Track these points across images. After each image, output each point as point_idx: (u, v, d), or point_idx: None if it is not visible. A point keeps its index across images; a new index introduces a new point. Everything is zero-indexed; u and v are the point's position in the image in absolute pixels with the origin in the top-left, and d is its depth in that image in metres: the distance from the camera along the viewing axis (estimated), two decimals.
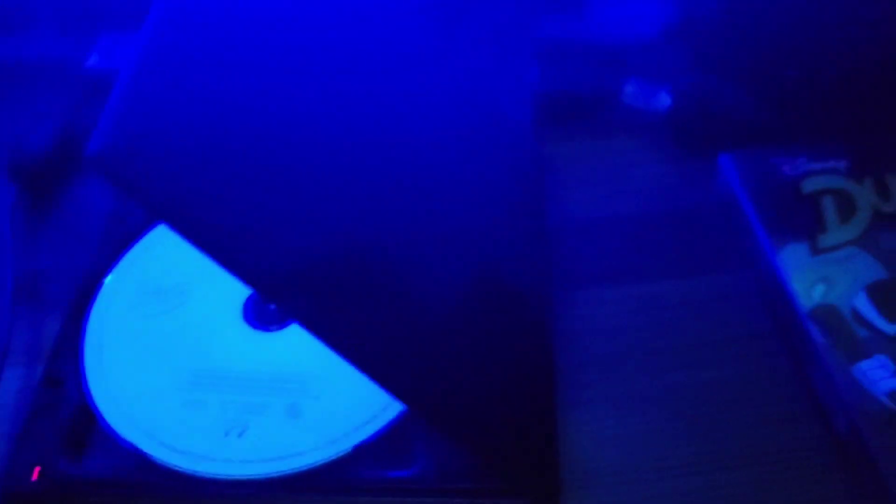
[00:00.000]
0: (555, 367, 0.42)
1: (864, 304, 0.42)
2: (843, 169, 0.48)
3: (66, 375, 0.41)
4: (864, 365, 0.40)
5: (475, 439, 0.36)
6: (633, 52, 0.59)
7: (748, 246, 0.48)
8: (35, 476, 0.36)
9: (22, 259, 0.48)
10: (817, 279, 0.44)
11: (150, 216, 0.46)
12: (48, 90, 0.60)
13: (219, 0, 0.33)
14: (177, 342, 0.43)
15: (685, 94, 0.54)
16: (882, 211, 0.46)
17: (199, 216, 0.29)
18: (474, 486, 0.36)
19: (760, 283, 0.47)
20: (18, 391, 0.43)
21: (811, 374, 0.42)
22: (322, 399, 0.40)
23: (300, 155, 0.33)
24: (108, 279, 0.46)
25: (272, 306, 0.44)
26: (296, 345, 0.42)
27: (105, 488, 0.37)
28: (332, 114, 0.35)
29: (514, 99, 0.45)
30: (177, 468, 0.37)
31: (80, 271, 0.47)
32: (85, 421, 0.39)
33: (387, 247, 0.34)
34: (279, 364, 0.41)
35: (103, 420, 0.39)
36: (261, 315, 0.44)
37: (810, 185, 0.48)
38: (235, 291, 0.44)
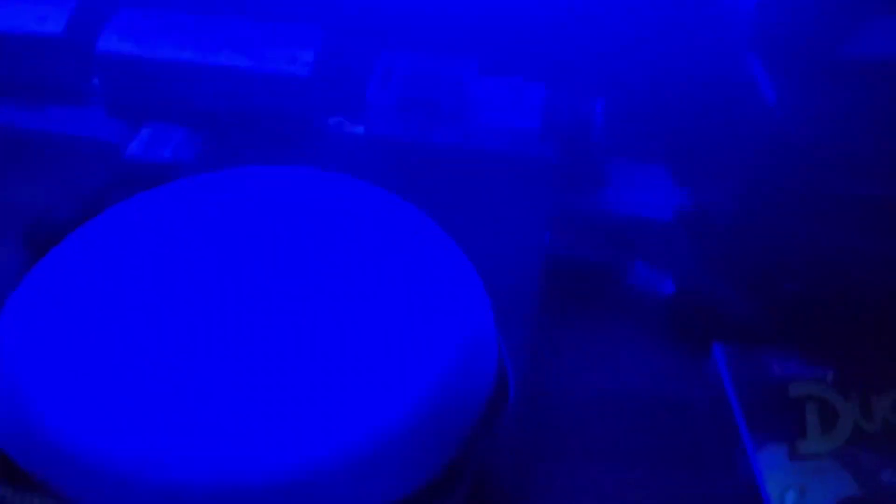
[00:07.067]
0: None
1: None
2: (831, 380, 0.49)
3: None
4: None
5: None
6: (644, 233, 0.61)
7: (731, 441, 0.48)
8: None
9: None
10: (791, 485, 0.44)
11: None
12: (86, 170, 0.62)
13: None
14: None
15: (686, 284, 0.56)
16: (864, 429, 0.47)
17: None
18: None
19: (736, 480, 0.46)
20: None
21: None
22: None
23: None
24: None
25: None
26: None
27: None
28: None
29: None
30: None
31: None
32: None
33: None
34: None
35: None
36: None
37: (797, 389, 0.49)
38: None
